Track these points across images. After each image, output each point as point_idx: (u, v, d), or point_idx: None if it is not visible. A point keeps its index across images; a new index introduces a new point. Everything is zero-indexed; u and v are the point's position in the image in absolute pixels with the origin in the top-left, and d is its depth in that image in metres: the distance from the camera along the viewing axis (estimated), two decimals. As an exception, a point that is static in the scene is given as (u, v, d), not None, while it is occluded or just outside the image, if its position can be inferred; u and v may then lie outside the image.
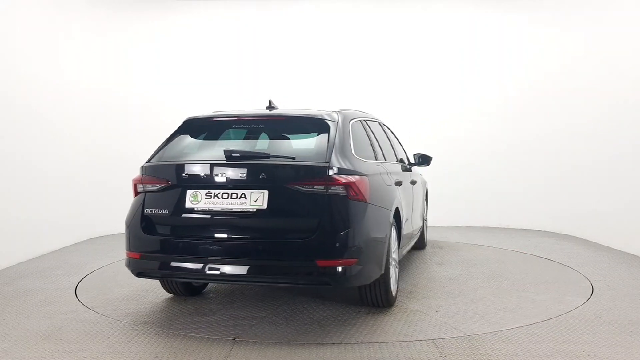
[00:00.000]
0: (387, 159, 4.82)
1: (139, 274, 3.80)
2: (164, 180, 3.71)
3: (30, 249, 6.16)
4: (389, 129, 5.71)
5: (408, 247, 5.20)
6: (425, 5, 8.48)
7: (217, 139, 4.04)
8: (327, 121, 3.82)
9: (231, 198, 3.51)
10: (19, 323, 3.85)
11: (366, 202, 3.59)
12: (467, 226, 8.42)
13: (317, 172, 3.46)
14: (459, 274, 5.28)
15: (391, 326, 3.73)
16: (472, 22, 8.39)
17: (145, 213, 3.73)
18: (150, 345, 3.41)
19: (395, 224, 4.23)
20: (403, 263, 5.80)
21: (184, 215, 3.63)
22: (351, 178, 3.51)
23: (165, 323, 3.83)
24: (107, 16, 7.99)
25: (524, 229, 8.22)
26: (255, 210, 3.47)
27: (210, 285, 4.82)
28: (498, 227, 8.38)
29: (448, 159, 8.05)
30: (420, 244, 6.52)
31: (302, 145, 3.85)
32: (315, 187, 3.43)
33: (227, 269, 3.48)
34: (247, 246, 3.50)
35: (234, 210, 3.51)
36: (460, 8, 8.41)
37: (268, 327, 3.73)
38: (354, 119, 4.26)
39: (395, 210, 4.19)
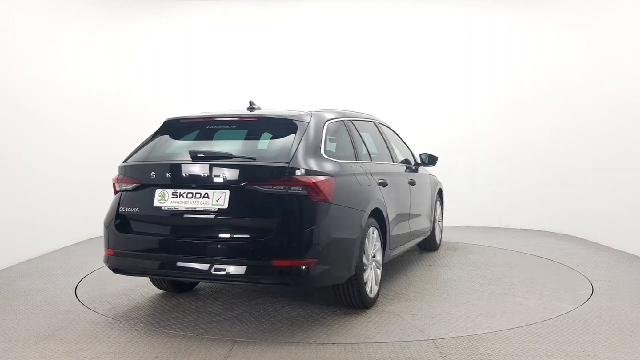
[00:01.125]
0: (376, 159, 4.78)
1: (115, 270, 3.92)
2: (137, 180, 3.84)
3: (30, 249, 6.16)
4: (390, 129, 5.66)
5: (403, 249, 5.10)
6: (429, 4, 8.45)
7: (191, 140, 4.12)
8: (296, 122, 3.86)
9: (195, 197, 3.60)
10: (19, 323, 3.86)
11: (329, 202, 3.58)
12: (467, 226, 8.42)
13: (276, 173, 3.50)
14: (458, 276, 5.24)
15: (356, 327, 3.70)
16: (472, 22, 8.38)
17: (120, 211, 3.87)
18: (150, 345, 3.41)
19: (377, 225, 4.21)
20: (403, 264, 5.80)
21: (152, 213, 3.75)
22: (313, 178, 3.52)
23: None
24: (106, 16, 7.99)
25: (524, 229, 8.22)
26: (217, 209, 3.55)
27: (202, 283, 4.83)
28: (498, 227, 8.38)
29: (448, 159, 8.01)
30: (430, 245, 6.40)
31: (268, 146, 3.88)
32: (274, 187, 3.47)
33: (190, 266, 3.59)
34: (209, 245, 3.56)
35: (197, 209, 3.59)
36: (464, 7, 8.39)
37: (235, 324, 3.74)
38: (333, 119, 4.25)
39: (373, 211, 4.15)
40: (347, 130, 4.46)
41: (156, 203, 3.71)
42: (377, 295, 4.27)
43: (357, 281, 3.88)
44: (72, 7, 7.36)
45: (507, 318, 3.90)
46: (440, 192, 6.70)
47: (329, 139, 4.05)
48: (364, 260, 3.96)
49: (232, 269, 3.49)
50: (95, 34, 7.81)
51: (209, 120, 4.11)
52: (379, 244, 4.28)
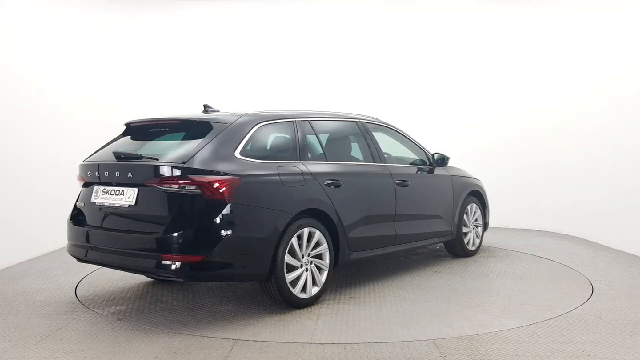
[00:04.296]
0: (337, 159, 4.70)
1: (72, 257, 4.31)
2: (83, 178, 4.31)
3: (30, 249, 6.16)
4: (393, 129, 5.56)
5: (382, 251, 4.91)
6: (440, 4, 8.45)
7: (131, 141, 4.38)
8: (214, 124, 4.02)
9: (115, 195, 3.98)
10: (19, 323, 3.86)
11: (227, 201, 3.68)
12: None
13: (171, 172, 3.70)
14: (446, 285, 4.81)
15: (253, 326, 3.74)
16: (475, 22, 8.37)
17: (76, 206, 4.37)
18: (150, 345, 3.41)
19: (319, 225, 4.21)
20: (405, 267, 5.76)
21: (89, 208, 4.19)
22: (208, 178, 3.65)
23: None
24: (106, 13, 8.00)
25: (524, 229, 8.22)
26: (128, 206, 3.88)
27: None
28: (498, 227, 8.37)
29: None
30: (459, 251, 5.98)
31: (177, 147, 4.03)
32: (171, 186, 3.68)
33: (108, 257, 3.98)
34: (120, 238, 3.91)
35: (115, 205, 3.96)
36: (483, 5, 8.36)
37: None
38: (271, 120, 4.31)
39: (309, 211, 4.15)
40: (295, 131, 4.45)
41: (92, 199, 4.14)
42: (317, 296, 4.23)
43: (276, 280, 3.93)
44: (69, 6, 7.36)
45: (428, 330, 3.63)
46: (475, 194, 6.24)
47: (260, 140, 4.20)
48: (289, 260, 3.99)
49: (133, 262, 3.80)
50: (91, 34, 7.82)
51: (151, 124, 4.39)
52: (325, 243, 4.28)
